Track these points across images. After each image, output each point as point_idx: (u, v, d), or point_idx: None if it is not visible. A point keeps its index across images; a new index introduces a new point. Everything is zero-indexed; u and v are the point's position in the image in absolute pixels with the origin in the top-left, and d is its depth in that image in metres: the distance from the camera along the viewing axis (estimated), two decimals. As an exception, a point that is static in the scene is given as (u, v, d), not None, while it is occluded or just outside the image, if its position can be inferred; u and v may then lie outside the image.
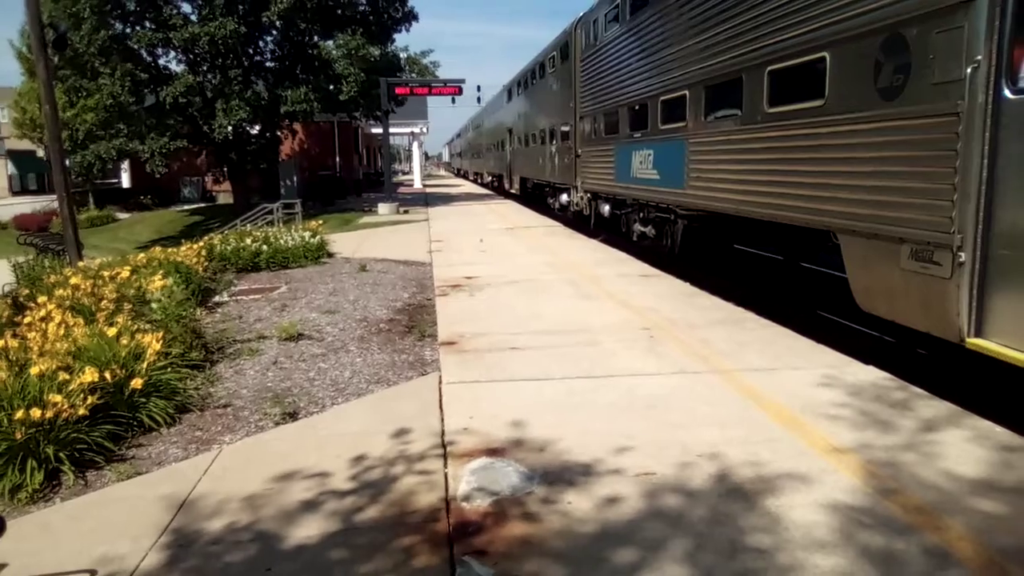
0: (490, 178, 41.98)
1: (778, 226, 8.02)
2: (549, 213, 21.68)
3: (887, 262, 5.90)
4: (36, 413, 4.24)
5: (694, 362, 6.05)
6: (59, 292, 7.00)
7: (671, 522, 3.47)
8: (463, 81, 27.50)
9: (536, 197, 25.64)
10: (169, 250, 11.23)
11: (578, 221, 18.18)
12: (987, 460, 4.02)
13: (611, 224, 15.51)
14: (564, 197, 19.93)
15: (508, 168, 31.33)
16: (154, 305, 7.08)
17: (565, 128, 18.74)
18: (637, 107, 12.58)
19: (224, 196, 36.61)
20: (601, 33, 14.91)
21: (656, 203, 11.98)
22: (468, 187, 46.26)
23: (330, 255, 14.24)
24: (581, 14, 16.84)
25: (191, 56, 25.60)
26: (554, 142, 20.31)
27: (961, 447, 4.20)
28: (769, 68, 7.77)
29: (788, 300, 9.60)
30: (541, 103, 22.82)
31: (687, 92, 10.10)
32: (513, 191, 30.70)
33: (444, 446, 4.48)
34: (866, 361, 5.89)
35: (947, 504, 3.57)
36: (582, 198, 17.52)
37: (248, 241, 13.50)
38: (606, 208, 15.49)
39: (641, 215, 13.13)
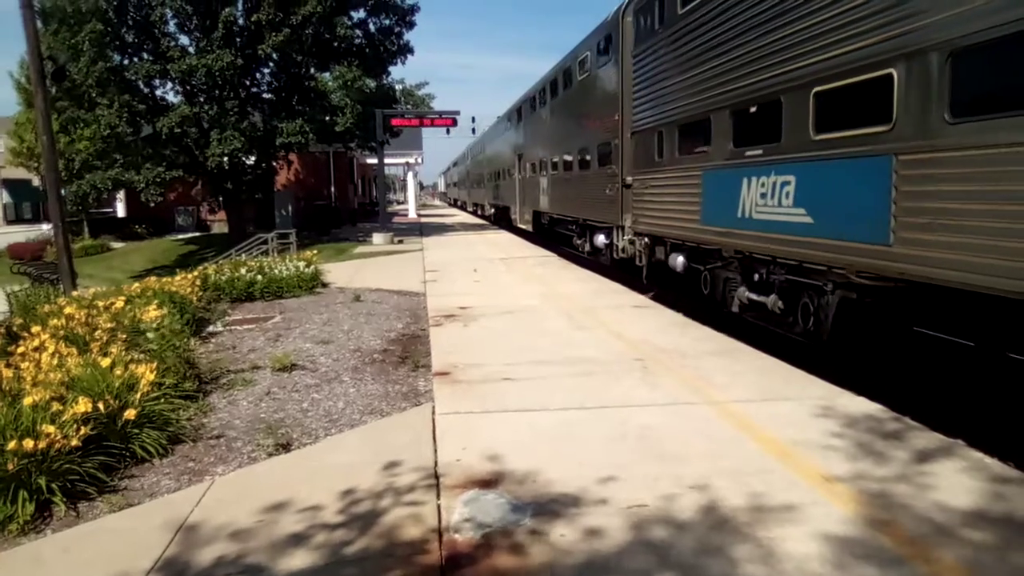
0: (492, 210, 37.47)
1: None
2: (543, 244, 21.55)
3: None
4: (29, 444, 4.23)
5: (687, 393, 6.07)
6: (53, 322, 7.00)
7: (663, 554, 3.47)
8: (458, 113, 27.75)
9: (554, 235, 21.26)
10: (164, 280, 11.24)
11: (620, 270, 14.28)
12: (978, 491, 4.04)
13: (684, 281, 11.29)
14: (601, 238, 15.65)
15: (517, 199, 27.23)
16: (150, 335, 7.09)
17: (605, 149, 14.78)
18: (755, 108, 8.48)
19: (219, 225, 36.68)
20: (674, 9, 10.63)
21: (799, 261, 7.72)
22: (463, 217, 46.38)
23: (324, 285, 14.26)
24: None
25: (188, 87, 25.83)
26: (587, 167, 16.27)
27: (952, 478, 4.22)
28: None
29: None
30: (566, 120, 18.60)
31: (893, 71, 6.03)
32: (522, 226, 26.81)
33: (437, 477, 4.48)
34: (858, 392, 5.92)
35: (938, 535, 3.58)
36: (632, 242, 13.21)
37: (243, 271, 13.52)
38: (679, 260, 11.06)
39: (757, 276, 8.94)
